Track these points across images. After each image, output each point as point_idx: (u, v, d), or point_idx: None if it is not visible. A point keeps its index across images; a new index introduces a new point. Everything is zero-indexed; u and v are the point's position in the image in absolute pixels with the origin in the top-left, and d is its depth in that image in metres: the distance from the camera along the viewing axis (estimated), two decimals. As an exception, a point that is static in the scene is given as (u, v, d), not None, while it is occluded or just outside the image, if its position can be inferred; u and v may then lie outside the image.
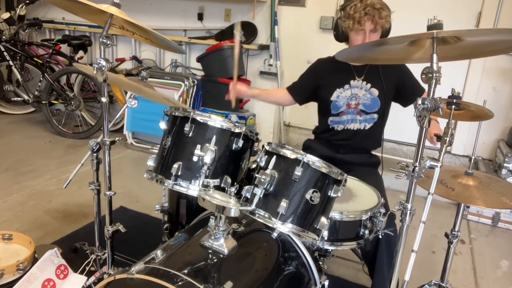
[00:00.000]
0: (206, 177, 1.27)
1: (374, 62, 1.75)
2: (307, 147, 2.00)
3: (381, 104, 1.84)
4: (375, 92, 1.84)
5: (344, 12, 1.76)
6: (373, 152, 1.98)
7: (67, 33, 4.40)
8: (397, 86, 1.86)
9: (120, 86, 2.55)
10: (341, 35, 1.84)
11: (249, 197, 1.18)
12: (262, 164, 1.20)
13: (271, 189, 1.15)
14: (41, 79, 3.93)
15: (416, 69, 1.11)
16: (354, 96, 1.85)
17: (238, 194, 1.22)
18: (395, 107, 1.95)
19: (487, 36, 1.11)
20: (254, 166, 1.51)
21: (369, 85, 1.84)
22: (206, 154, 1.25)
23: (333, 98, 1.87)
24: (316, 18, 3.55)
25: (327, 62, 1.95)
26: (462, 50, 1.17)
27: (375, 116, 1.85)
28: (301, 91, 2.01)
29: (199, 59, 3.63)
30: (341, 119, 1.87)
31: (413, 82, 1.87)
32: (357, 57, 1.51)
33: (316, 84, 1.94)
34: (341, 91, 1.86)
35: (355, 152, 1.90)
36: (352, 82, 1.86)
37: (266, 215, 1.14)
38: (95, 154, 1.51)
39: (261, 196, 1.15)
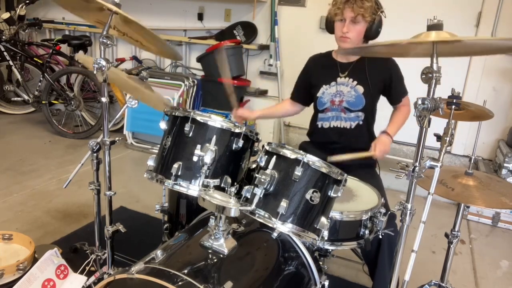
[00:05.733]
0: (206, 177, 1.27)
1: (374, 55, 1.75)
2: (303, 150, 1.98)
3: (366, 102, 1.81)
4: (360, 89, 1.82)
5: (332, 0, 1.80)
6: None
7: (67, 33, 4.40)
8: (384, 82, 1.82)
9: (119, 86, 2.54)
10: (328, 25, 1.84)
11: (249, 197, 1.18)
12: (262, 164, 1.20)
13: (271, 189, 1.16)
14: (41, 79, 3.93)
15: (416, 67, 1.12)
16: (338, 93, 1.84)
17: (238, 194, 1.22)
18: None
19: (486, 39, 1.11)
20: (254, 166, 1.51)
21: (355, 82, 1.83)
22: (206, 154, 1.25)
23: (319, 94, 1.88)
24: (316, 18, 3.55)
25: (317, 59, 1.97)
26: (462, 49, 1.18)
27: (360, 114, 1.84)
28: (302, 93, 2.02)
29: (199, 59, 3.63)
30: (325, 115, 1.88)
31: (399, 80, 1.84)
32: (357, 51, 1.51)
33: (309, 82, 1.95)
34: (326, 87, 1.87)
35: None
36: (338, 79, 1.85)
37: (266, 215, 1.14)
38: (95, 154, 1.51)
39: (261, 196, 1.15)
